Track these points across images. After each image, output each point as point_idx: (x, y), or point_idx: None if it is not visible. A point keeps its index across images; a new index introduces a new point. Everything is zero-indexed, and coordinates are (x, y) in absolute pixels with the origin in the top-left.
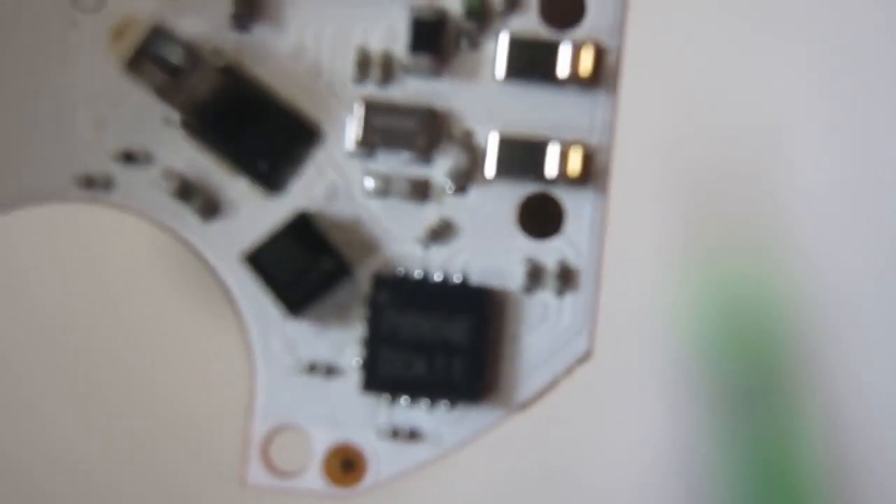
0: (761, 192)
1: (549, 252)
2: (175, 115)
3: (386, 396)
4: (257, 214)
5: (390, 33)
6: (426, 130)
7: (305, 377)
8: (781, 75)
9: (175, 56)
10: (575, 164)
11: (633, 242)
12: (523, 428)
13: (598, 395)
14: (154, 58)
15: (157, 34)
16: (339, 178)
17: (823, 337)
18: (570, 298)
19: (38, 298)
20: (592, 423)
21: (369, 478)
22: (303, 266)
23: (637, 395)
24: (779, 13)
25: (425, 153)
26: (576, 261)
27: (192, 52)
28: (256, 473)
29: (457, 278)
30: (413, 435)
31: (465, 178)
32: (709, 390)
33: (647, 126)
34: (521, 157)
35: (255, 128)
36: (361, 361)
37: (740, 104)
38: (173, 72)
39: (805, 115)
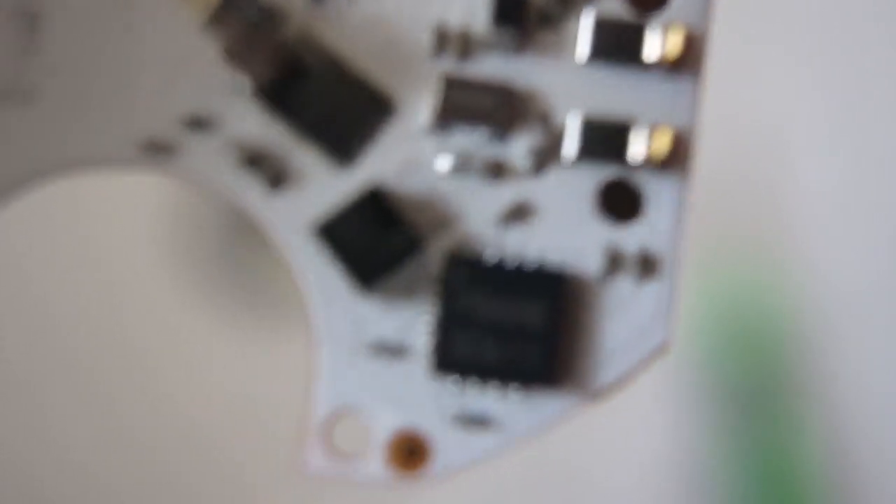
0: (764, 195)
1: (629, 238)
2: (245, 82)
3: (455, 380)
4: (326, 187)
5: (471, 7)
6: (504, 108)
7: (370, 358)
8: (784, 78)
9: (255, 14)
10: (661, 148)
11: None
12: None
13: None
14: (235, 12)
15: None
16: (413, 154)
17: (825, 340)
18: (649, 287)
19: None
20: (594, 428)
21: (434, 465)
22: (375, 240)
23: (639, 399)
24: (781, 15)
25: (503, 132)
26: (657, 248)
27: (272, 13)
28: (317, 459)
29: (532, 261)
30: (481, 421)
31: (544, 158)
32: (711, 395)
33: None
34: (603, 139)
35: (324, 98)
36: (432, 342)
37: (742, 107)
38: (252, 31)
39: (808, 119)
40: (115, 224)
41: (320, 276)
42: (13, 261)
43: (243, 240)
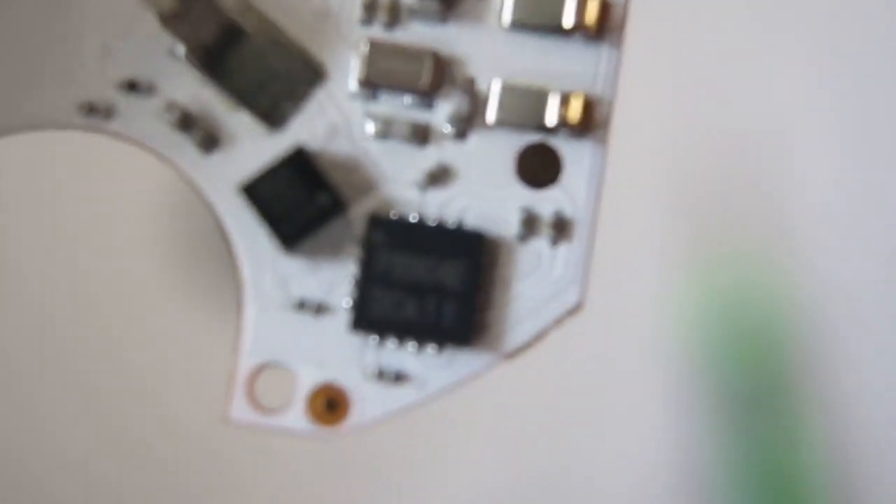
0: (764, 195)
1: (546, 202)
2: (180, 48)
3: (374, 337)
4: (257, 149)
5: None
6: (429, 74)
7: (294, 314)
8: (784, 78)
9: None
10: (575, 113)
11: (630, 197)
12: (524, 433)
13: (600, 399)
14: None
15: None
16: (340, 118)
17: (826, 341)
18: (563, 249)
19: (35, 223)
20: (593, 428)
21: (353, 419)
22: (299, 200)
23: (639, 399)
24: (783, 16)
25: (427, 97)
26: (572, 212)
27: None
28: (240, 410)
29: (452, 223)
30: (399, 377)
31: (466, 123)
32: (710, 394)
33: (649, 82)
34: (523, 104)
35: (258, 64)
36: (352, 301)
37: (742, 106)
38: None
39: (809, 120)
40: (113, 222)
41: (247, 236)
42: (11, 259)
43: (124, 229)
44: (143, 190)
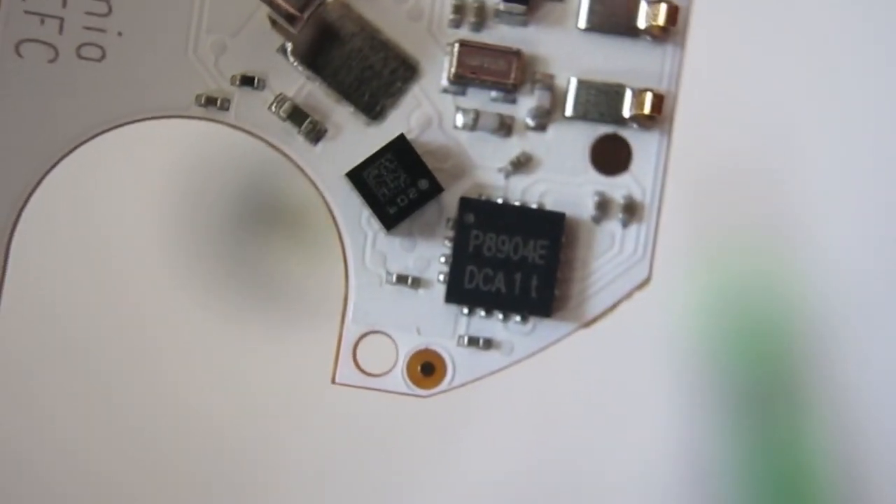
0: (772, 190)
1: (618, 187)
2: (288, 46)
3: (465, 308)
4: (359, 140)
5: None
6: (514, 71)
7: (393, 288)
8: (793, 72)
9: None
10: (647, 107)
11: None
12: (533, 426)
13: (607, 392)
14: None
15: None
16: (433, 111)
17: (833, 335)
18: (633, 229)
19: (152, 206)
20: (602, 423)
21: (447, 381)
22: (401, 184)
23: (647, 394)
24: (791, 9)
25: (511, 92)
26: (641, 196)
27: None
28: (345, 372)
29: (534, 206)
30: (488, 344)
31: (546, 116)
32: (718, 390)
33: (708, 78)
34: (597, 99)
35: (359, 62)
36: (445, 275)
37: (750, 102)
38: (295, 4)
39: (816, 113)
40: (121, 220)
41: (351, 217)
42: (19, 258)
43: (248, 235)
44: (253, 176)
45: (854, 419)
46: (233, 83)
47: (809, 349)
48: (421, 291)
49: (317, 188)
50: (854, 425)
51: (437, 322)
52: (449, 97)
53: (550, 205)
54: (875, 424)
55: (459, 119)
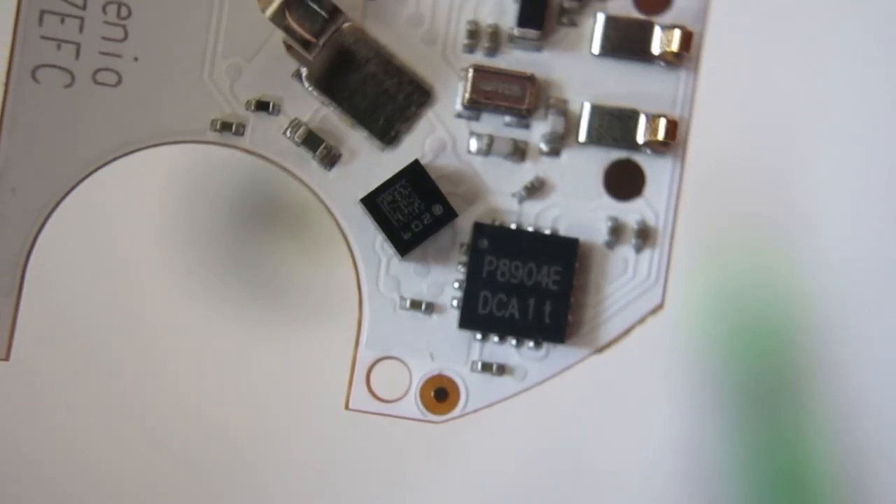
0: (786, 215)
1: (631, 212)
2: (303, 71)
3: (479, 334)
4: (373, 165)
5: (499, 8)
6: (527, 97)
7: (407, 313)
8: (795, 66)
9: (316, 16)
10: (661, 132)
11: None
12: (545, 452)
13: (610, 391)
14: (298, 12)
15: None
16: (447, 136)
17: (836, 335)
18: (647, 254)
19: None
20: (605, 420)
21: (461, 407)
22: (415, 210)
23: (649, 392)
24: (793, 3)
25: (525, 117)
26: (654, 221)
27: (331, 12)
28: (359, 398)
29: (547, 231)
30: (502, 370)
31: (560, 141)
32: (721, 387)
33: (721, 104)
34: (610, 124)
35: (373, 87)
36: (460, 301)
37: (764, 126)
38: (311, 29)
39: (819, 108)
40: (135, 243)
41: (365, 243)
42: (36, 278)
43: (262, 258)
44: (269, 200)
45: (856, 418)
46: (248, 108)
47: (813, 343)
48: (435, 317)
49: (331, 213)
50: (856, 424)
51: (450, 347)
52: (463, 122)
53: (564, 230)
54: (877, 423)
55: (473, 144)
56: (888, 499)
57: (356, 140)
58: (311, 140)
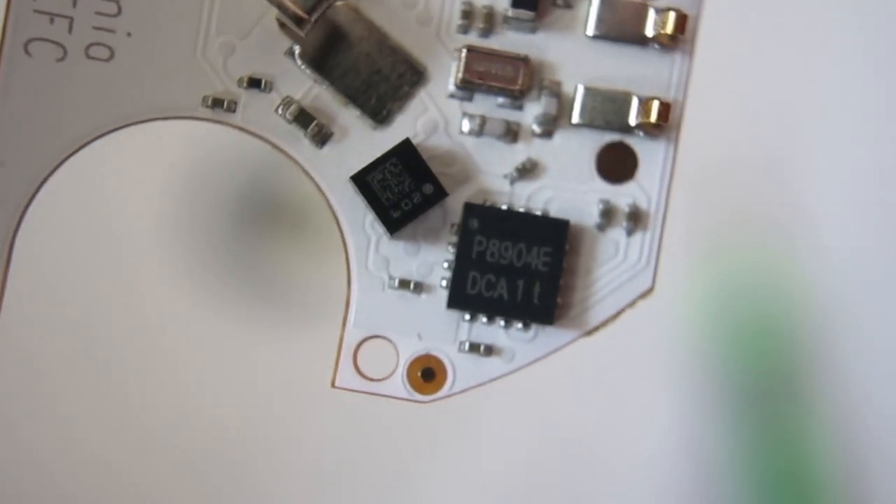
0: (779, 199)
1: (623, 195)
2: (296, 49)
3: (467, 314)
4: (364, 143)
5: None
6: (521, 78)
7: (395, 292)
8: (797, 62)
9: None
10: (654, 115)
11: None
12: (533, 434)
13: (599, 374)
14: None
15: None
16: (440, 116)
17: (836, 333)
18: (638, 238)
19: (158, 206)
20: (606, 417)
21: (447, 387)
22: (405, 189)
23: (650, 388)
24: (797, 19)
25: (518, 99)
26: (646, 204)
27: None
28: (345, 377)
29: (539, 212)
30: (489, 350)
31: (552, 123)
32: (720, 397)
33: (716, 87)
34: (604, 107)
35: (366, 66)
36: (448, 280)
37: (759, 110)
38: (303, 5)
39: (825, 123)
40: (125, 219)
41: (355, 221)
42: (24, 255)
43: (251, 236)
44: (258, 177)
45: (856, 417)
46: (240, 85)
47: (814, 342)
48: (423, 296)
49: (321, 191)
50: (856, 423)
51: (438, 327)
52: (456, 102)
53: (555, 212)
54: (877, 422)
55: (466, 124)
56: (888, 499)
57: (348, 118)
58: (303, 118)
